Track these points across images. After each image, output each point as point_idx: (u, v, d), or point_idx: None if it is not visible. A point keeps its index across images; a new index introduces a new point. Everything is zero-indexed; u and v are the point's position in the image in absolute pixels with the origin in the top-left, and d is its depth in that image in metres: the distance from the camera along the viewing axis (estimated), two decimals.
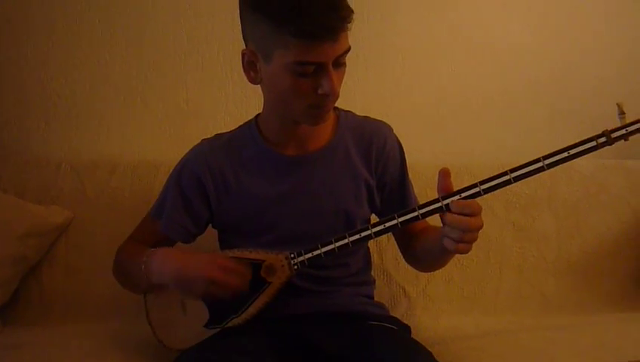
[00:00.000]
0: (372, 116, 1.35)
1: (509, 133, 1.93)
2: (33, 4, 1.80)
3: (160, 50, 1.83)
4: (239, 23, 1.14)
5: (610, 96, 1.87)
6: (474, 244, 1.62)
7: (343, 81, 1.14)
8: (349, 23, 1.06)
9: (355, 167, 1.27)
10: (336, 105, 1.20)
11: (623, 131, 1.02)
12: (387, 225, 1.09)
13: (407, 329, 1.30)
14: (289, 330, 1.20)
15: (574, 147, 1.03)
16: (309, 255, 1.14)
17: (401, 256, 1.39)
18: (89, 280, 1.58)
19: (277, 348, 1.15)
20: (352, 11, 1.06)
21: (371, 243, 1.40)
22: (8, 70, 1.82)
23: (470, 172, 1.69)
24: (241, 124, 1.33)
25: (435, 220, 1.12)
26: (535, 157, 1.05)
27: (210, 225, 1.33)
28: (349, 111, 1.34)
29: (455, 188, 1.07)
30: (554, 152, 1.04)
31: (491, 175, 1.06)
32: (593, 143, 1.02)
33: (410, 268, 1.39)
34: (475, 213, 1.03)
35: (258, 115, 1.31)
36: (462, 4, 1.89)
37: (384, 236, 1.16)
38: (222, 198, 1.26)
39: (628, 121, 1.02)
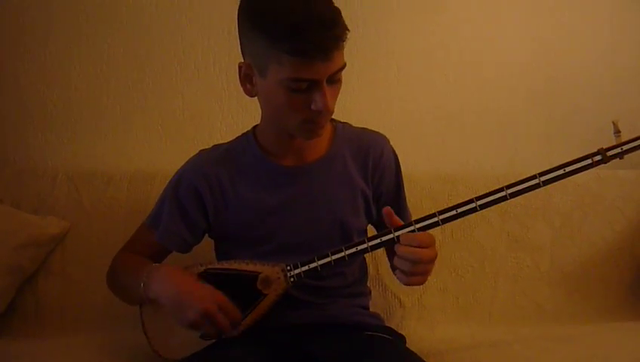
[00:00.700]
0: (367, 126, 1.36)
1: (504, 144, 1.94)
2: (31, 15, 1.81)
3: (157, 61, 1.84)
4: (236, 34, 1.15)
5: (606, 109, 1.88)
6: (469, 253, 1.66)
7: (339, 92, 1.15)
8: (343, 41, 1.07)
9: (351, 178, 1.28)
10: (332, 116, 1.21)
11: (619, 150, 1.04)
12: (383, 238, 1.10)
13: (402, 339, 1.31)
14: (285, 341, 1.20)
15: (570, 164, 1.05)
16: (306, 267, 1.15)
17: None
18: (85, 290, 1.58)
19: (273, 358, 1.16)
20: (347, 29, 1.07)
21: (367, 255, 1.40)
22: (6, 80, 1.82)
23: (465, 182, 1.70)
24: (238, 134, 1.34)
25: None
26: (530, 169, 1.06)
27: (207, 234, 1.34)
28: (346, 122, 1.35)
29: (449, 198, 1.09)
30: (550, 169, 1.06)
31: (486, 185, 1.08)
32: (589, 161, 1.05)
33: None
34: (425, 245, 1.05)
35: (255, 126, 1.32)
36: (457, 14, 1.90)
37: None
38: (219, 209, 1.27)
39: (623, 140, 1.03)
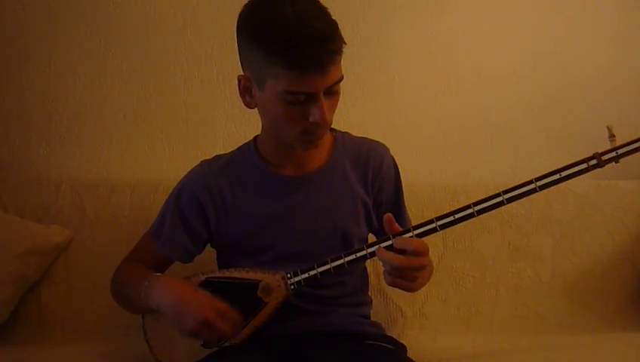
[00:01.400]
0: (368, 136, 1.37)
1: (504, 154, 1.94)
2: (35, 25, 1.83)
3: (160, 72, 1.86)
4: None
5: (605, 119, 1.89)
6: (470, 264, 1.66)
7: (340, 101, 1.16)
8: (339, 55, 1.08)
9: (352, 187, 1.29)
10: (332, 126, 1.22)
11: (614, 154, 1.04)
12: (383, 245, 1.11)
13: (403, 348, 1.31)
14: (286, 350, 1.21)
15: (566, 169, 1.05)
16: (306, 275, 1.16)
17: None
18: (88, 299, 1.58)
19: None
20: (343, 42, 1.08)
21: (368, 264, 1.41)
22: (10, 90, 1.84)
23: (466, 192, 1.71)
24: (240, 144, 1.35)
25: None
26: (529, 179, 1.07)
27: (209, 244, 1.35)
28: (346, 132, 1.36)
29: (450, 208, 1.09)
30: (546, 174, 1.06)
31: (486, 194, 1.08)
32: (584, 165, 1.05)
33: None
34: (418, 253, 1.05)
35: (256, 136, 1.33)
36: (458, 25, 1.92)
37: None
38: (221, 219, 1.28)
39: (618, 144, 1.04)
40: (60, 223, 1.64)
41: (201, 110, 1.87)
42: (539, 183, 1.06)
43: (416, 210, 1.63)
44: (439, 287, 1.64)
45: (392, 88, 1.92)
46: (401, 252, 1.06)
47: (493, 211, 1.10)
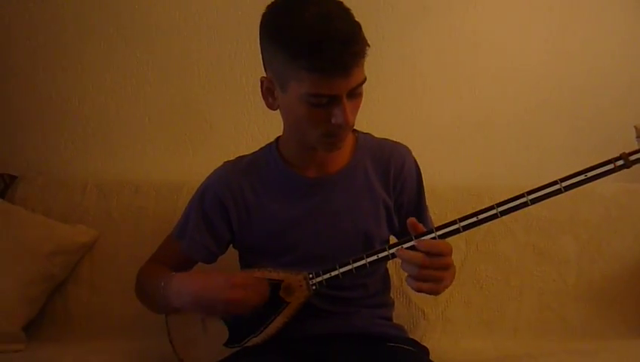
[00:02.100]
0: (391, 138, 1.37)
1: (528, 155, 1.92)
2: (64, 28, 1.87)
3: (185, 74, 1.88)
4: None
5: (629, 116, 1.86)
6: (494, 267, 1.64)
7: (362, 103, 1.15)
8: (363, 57, 1.07)
9: (373, 189, 1.28)
10: (355, 127, 1.22)
11: None
12: (405, 246, 1.10)
13: (425, 351, 1.30)
14: (307, 351, 1.20)
15: (592, 169, 1.03)
16: (327, 275, 1.15)
17: None
18: (112, 298, 1.61)
19: None
20: (367, 45, 1.08)
21: (390, 265, 1.40)
22: (40, 92, 1.88)
23: (490, 194, 1.68)
24: (262, 146, 1.36)
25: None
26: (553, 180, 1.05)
27: (232, 245, 1.35)
28: (368, 133, 1.36)
29: (473, 211, 1.08)
30: (571, 175, 1.04)
31: (510, 197, 1.07)
32: (611, 166, 1.02)
33: None
34: (443, 253, 1.04)
35: (279, 137, 1.33)
36: (482, 26, 1.90)
37: None
38: (243, 220, 1.29)
39: None
40: (86, 223, 1.67)
41: (224, 112, 1.88)
42: (564, 184, 1.04)
43: (439, 212, 1.62)
44: (462, 290, 1.63)
45: (415, 89, 1.91)
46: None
47: (518, 214, 1.09)
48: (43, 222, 1.63)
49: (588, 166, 1.05)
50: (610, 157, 1.04)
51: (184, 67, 1.88)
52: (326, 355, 1.19)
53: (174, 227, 1.36)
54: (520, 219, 1.66)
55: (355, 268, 1.13)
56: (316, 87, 1.06)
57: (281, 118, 1.24)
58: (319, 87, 1.06)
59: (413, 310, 1.61)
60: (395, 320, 1.38)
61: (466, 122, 1.92)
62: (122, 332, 1.56)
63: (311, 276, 1.17)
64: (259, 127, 1.87)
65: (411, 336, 1.38)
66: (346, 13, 1.08)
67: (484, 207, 1.08)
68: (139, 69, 1.88)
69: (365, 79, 1.11)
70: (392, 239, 1.34)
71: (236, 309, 1.13)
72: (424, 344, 1.33)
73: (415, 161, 1.35)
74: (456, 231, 1.08)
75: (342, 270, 1.14)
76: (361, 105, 1.15)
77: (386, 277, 1.39)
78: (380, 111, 1.87)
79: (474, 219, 1.07)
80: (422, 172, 1.36)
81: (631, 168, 1.03)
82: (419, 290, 1.06)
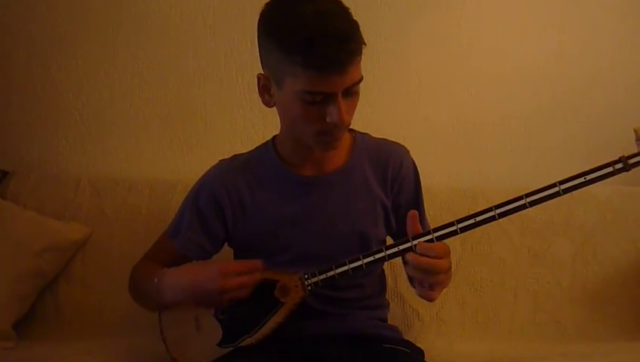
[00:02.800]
0: (387, 138, 1.36)
1: (524, 157, 1.92)
2: (59, 24, 1.85)
3: (180, 71, 1.87)
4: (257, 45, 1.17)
5: (626, 120, 1.86)
6: (488, 268, 1.64)
7: (359, 102, 1.15)
8: (359, 56, 1.07)
9: (371, 189, 1.28)
10: (351, 127, 1.21)
11: None
12: (401, 247, 1.10)
13: (420, 352, 1.29)
14: (302, 351, 1.20)
15: (591, 172, 1.03)
16: (323, 276, 1.15)
17: None
18: (104, 296, 1.59)
19: None
20: (364, 43, 1.08)
21: (386, 267, 1.40)
22: (34, 87, 1.86)
23: (486, 196, 1.69)
24: (258, 144, 1.35)
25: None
26: (550, 182, 1.05)
27: (227, 243, 1.35)
28: (366, 133, 1.35)
29: (469, 212, 1.08)
30: (570, 177, 1.04)
31: (506, 199, 1.07)
32: (610, 169, 1.02)
33: None
34: (441, 255, 1.05)
35: (275, 136, 1.33)
36: (478, 27, 1.90)
37: (398, 259, 1.17)
38: (238, 218, 1.28)
39: None
40: (79, 220, 1.66)
41: (219, 110, 1.87)
42: (562, 186, 1.04)
43: (435, 213, 1.61)
44: (457, 292, 1.62)
45: (411, 90, 1.90)
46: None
47: (513, 216, 1.08)
48: (35, 219, 1.61)
49: (583, 169, 1.04)
50: (609, 160, 1.03)
51: (180, 64, 1.87)
52: (321, 356, 1.19)
53: (169, 225, 1.35)
54: (515, 221, 1.66)
55: (352, 268, 1.12)
56: (311, 84, 1.06)
57: (276, 118, 1.23)
58: (314, 85, 1.06)
59: (408, 311, 1.61)
60: (389, 321, 1.38)
61: (462, 123, 1.92)
62: (114, 331, 1.55)
63: (306, 276, 1.16)
64: (254, 125, 1.86)
65: (406, 338, 1.37)
66: (344, 11, 1.08)
67: (481, 209, 1.07)
68: (134, 66, 1.86)
69: (362, 78, 1.11)
70: (389, 240, 1.34)
71: (228, 297, 1.12)
72: (419, 345, 1.32)
73: (413, 161, 1.34)
74: (454, 233, 1.08)
75: (338, 271, 1.13)
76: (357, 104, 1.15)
77: (381, 278, 1.39)
78: (375, 111, 1.87)
79: (472, 221, 1.07)
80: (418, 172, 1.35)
81: (629, 171, 1.03)
82: (428, 298, 1.08)
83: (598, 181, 1.03)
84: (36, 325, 1.58)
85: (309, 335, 1.23)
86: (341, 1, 1.10)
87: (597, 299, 1.64)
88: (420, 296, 1.10)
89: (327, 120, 1.10)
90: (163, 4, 1.85)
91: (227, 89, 1.87)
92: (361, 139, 1.32)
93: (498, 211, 1.06)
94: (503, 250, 1.66)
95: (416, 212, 1.10)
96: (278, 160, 1.28)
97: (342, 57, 1.04)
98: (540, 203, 1.05)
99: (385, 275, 1.40)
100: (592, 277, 1.65)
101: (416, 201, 1.34)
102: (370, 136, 1.35)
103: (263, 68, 1.17)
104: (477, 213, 1.07)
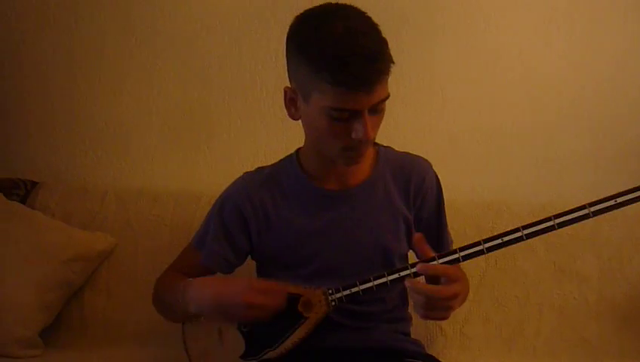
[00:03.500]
0: (411, 151, 1.36)
1: (549, 172, 1.89)
2: (85, 38, 1.89)
3: (205, 84, 1.88)
4: (283, 59, 1.17)
5: None
6: (513, 283, 1.62)
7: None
8: (387, 74, 1.08)
9: (393, 203, 1.28)
10: (375, 140, 1.22)
11: None
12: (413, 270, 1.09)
13: None
14: None
15: (623, 195, 1.01)
16: (347, 292, 1.15)
17: None
18: (129, 306, 1.61)
19: None
20: (392, 62, 1.08)
21: None
22: (60, 100, 1.90)
23: (510, 210, 1.67)
24: (281, 157, 1.36)
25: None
26: (576, 194, 1.04)
27: (250, 256, 1.35)
28: (389, 146, 1.35)
29: (493, 226, 1.07)
30: (601, 200, 1.03)
31: (532, 213, 1.06)
32: None
33: None
34: (451, 279, 1.04)
35: (299, 148, 1.33)
36: (503, 40, 1.88)
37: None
38: (262, 231, 1.28)
39: None
40: (105, 231, 1.67)
41: (243, 123, 1.89)
42: (592, 209, 1.02)
43: (458, 228, 1.60)
44: (480, 307, 1.61)
45: (435, 104, 1.89)
46: (434, 279, 1.06)
47: None
48: (62, 229, 1.64)
49: (609, 183, 1.03)
50: (633, 174, 1.02)
51: (205, 77, 1.89)
52: None
53: (193, 237, 1.36)
54: (541, 236, 1.63)
55: (376, 285, 1.12)
56: (339, 101, 1.06)
57: (299, 131, 1.24)
58: (341, 102, 1.06)
59: (430, 326, 1.59)
60: (412, 336, 1.37)
61: (486, 137, 1.90)
62: (138, 341, 1.56)
63: (330, 292, 1.16)
64: (278, 138, 1.86)
65: (429, 352, 1.36)
66: (374, 29, 1.09)
67: (506, 225, 1.07)
68: (159, 79, 1.89)
69: (388, 95, 1.11)
70: (412, 254, 1.33)
71: (255, 313, 1.12)
72: (442, 360, 1.31)
73: (436, 175, 1.34)
74: (481, 253, 1.07)
75: (362, 287, 1.13)
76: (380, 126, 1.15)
77: (403, 292, 1.37)
78: (398, 125, 1.86)
79: (499, 241, 1.06)
80: (441, 186, 1.35)
81: None
82: (427, 318, 1.07)
83: (629, 204, 1.01)
84: (62, 333, 1.59)
85: (332, 348, 1.23)
86: (371, 18, 1.10)
87: (624, 316, 1.60)
88: (422, 317, 1.07)
89: (353, 136, 1.10)
90: (190, 20, 1.88)
91: (251, 102, 1.88)
92: (384, 153, 1.32)
93: (526, 232, 1.05)
94: (527, 265, 1.64)
95: (422, 234, 1.10)
96: (302, 173, 1.28)
97: (370, 76, 1.05)
98: (568, 224, 1.04)
99: (406, 289, 1.40)
100: (619, 294, 1.62)
101: (439, 215, 1.34)
102: (393, 149, 1.35)
103: (290, 81, 1.18)
104: (504, 233, 1.07)
